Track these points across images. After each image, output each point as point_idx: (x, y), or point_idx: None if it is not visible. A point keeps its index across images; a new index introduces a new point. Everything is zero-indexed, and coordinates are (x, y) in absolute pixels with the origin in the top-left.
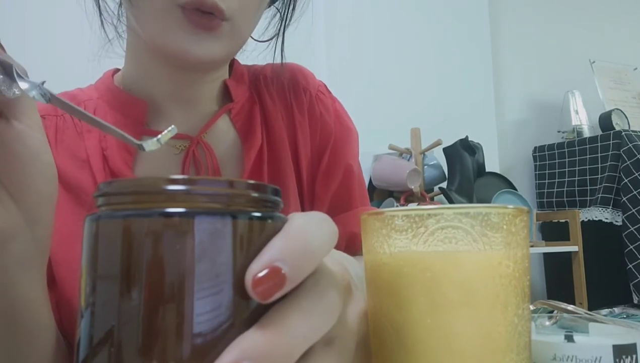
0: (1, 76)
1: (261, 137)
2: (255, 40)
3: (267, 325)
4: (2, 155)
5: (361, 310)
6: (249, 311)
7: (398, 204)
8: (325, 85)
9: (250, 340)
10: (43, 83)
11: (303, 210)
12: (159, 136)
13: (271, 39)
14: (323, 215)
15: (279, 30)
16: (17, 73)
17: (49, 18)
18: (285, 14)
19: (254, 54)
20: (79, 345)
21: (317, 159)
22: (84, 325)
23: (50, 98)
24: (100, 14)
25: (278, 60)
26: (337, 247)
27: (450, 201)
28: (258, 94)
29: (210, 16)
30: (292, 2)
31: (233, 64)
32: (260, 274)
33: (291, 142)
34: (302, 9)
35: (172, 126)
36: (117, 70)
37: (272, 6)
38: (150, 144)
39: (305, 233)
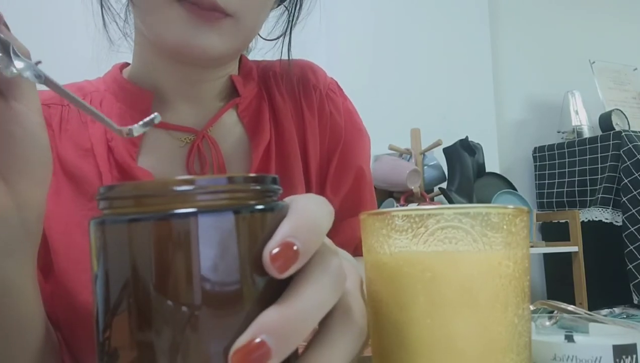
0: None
1: (269, 133)
2: (263, 38)
3: (279, 301)
4: None
5: (359, 280)
6: (258, 299)
7: (398, 204)
8: (336, 83)
9: (265, 317)
10: (38, 63)
11: None
12: (142, 122)
13: (278, 37)
14: (320, 197)
15: (286, 29)
16: (14, 51)
17: (54, 17)
18: (293, 13)
19: (261, 52)
20: (97, 319)
21: (326, 160)
22: (98, 291)
23: (45, 80)
24: (103, 16)
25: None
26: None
27: (450, 201)
28: (267, 90)
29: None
30: (298, 1)
31: (241, 59)
32: (275, 251)
33: (300, 140)
34: (310, 7)
35: (156, 114)
36: (126, 64)
37: (281, 5)
38: (134, 130)
39: (310, 211)
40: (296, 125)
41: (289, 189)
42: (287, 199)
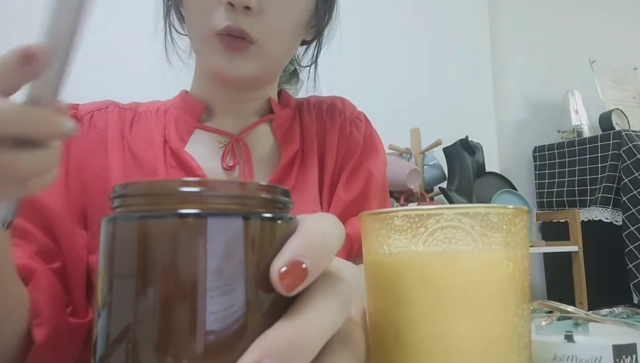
0: None
1: (299, 144)
2: (300, 66)
3: (285, 321)
4: None
5: (362, 310)
6: (261, 309)
7: (398, 204)
8: (365, 116)
9: (270, 338)
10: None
11: (322, 211)
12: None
13: (310, 65)
14: (331, 216)
15: (312, 60)
16: None
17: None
18: (316, 46)
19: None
20: (96, 342)
21: (339, 166)
22: (101, 324)
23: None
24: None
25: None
26: (345, 248)
27: (450, 201)
28: (300, 114)
29: (239, 39)
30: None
31: (282, 93)
32: (284, 269)
33: (320, 151)
34: (330, 34)
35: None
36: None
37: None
38: None
39: (321, 231)
40: (318, 140)
41: (304, 189)
42: (298, 217)
